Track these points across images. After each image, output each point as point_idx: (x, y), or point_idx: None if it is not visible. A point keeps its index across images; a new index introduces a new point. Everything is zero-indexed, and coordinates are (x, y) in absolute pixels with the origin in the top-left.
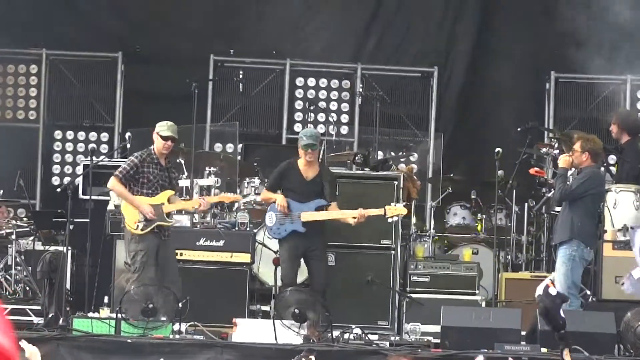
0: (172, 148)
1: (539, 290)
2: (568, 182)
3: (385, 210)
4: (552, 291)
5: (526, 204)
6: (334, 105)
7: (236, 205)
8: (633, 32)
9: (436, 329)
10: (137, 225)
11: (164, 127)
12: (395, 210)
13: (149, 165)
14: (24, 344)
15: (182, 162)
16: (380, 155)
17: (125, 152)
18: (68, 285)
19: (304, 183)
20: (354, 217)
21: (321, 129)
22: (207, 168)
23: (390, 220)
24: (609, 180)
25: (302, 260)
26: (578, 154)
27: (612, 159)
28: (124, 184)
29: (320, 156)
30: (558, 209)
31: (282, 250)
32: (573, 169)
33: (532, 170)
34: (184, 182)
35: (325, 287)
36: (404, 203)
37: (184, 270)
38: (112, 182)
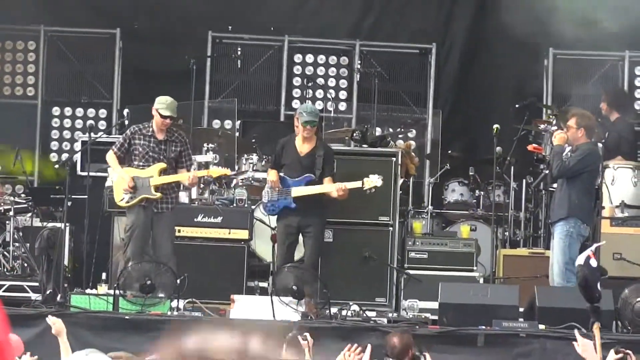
0: (173, 123)
1: (580, 260)
2: (564, 159)
3: (362, 182)
4: (594, 263)
5: (524, 181)
6: (332, 82)
7: (234, 181)
8: (631, 7)
9: (434, 305)
10: (123, 198)
11: (163, 106)
12: (372, 182)
13: (140, 138)
14: (50, 319)
15: None
16: (378, 131)
17: (123, 129)
18: (66, 262)
19: (298, 158)
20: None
21: (319, 105)
22: (205, 144)
23: (368, 192)
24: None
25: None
26: (573, 130)
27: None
28: (120, 157)
29: (317, 132)
30: (555, 185)
31: (278, 228)
32: (568, 145)
33: (530, 147)
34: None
35: (315, 267)
36: (402, 179)
37: (182, 246)
38: (107, 155)
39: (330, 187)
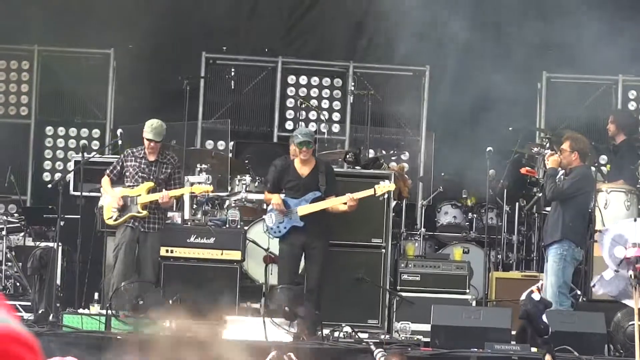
0: (166, 146)
1: (523, 295)
2: (558, 182)
3: (375, 189)
4: (536, 296)
5: (517, 204)
6: (325, 104)
7: (227, 202)
8: (624, 31)
9: (426, 327)
10: (111, 216)
11: (148, 129)
12: (385, 187)
13: (132, 160)
14: None
15: None
16: (371, 153)
17: (117, 149)
18: (58, 281)
19: (301, 180)
20: (345, 203)
21: (313, 127)
22: (198, 165)
23: (381, 198)
24: (600, 180)
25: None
26: (567, 153)
27: (603, 159)
28: (113, 180)
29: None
30: (548, 208)
31: (281, 249)
32: (562, 169)
33: (523, 170)
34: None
35: (318, 288)
36: (395, 202)
37: (175, 267)
38: (102, 179)
39: (339, 200)
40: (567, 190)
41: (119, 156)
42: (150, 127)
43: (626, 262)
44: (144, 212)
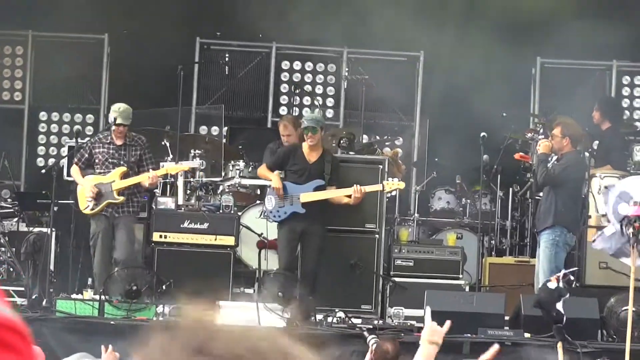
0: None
1: (541, 284)
2: (550, 167)
3: (383, 185)
4: (552, 285)
5: (511, 189)
6: (319, 89)
7: (221, 188)
8: (619, 16)
9: (420, 313)
10: (88, 206)
11: (114, 114)
12: (394, 184)
13: (99, 146)
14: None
15: (168, 144)
16: (365, 139)
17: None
18: (52, 267)
19: (307, 165)
20: (349, 196)
21: (306, 112)
22: (192, 150)
23: (389, 195)
24: (593, 165)
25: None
26: (558, 139)
27: (596, 144)
28: (82, 168)
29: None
30: (541, 194)
31: (281, 233)
32: (554, 154)
33: (517, 156)
34: (169, 165)
35: (317, 274)
36: (392, 188)
37: (168, 252)
38: (71, 169)
39: (346, 191)
40: (559, 175)
41: (84, 142)
42: (118, 111)
43: (627, 220)
44: (121, 198)
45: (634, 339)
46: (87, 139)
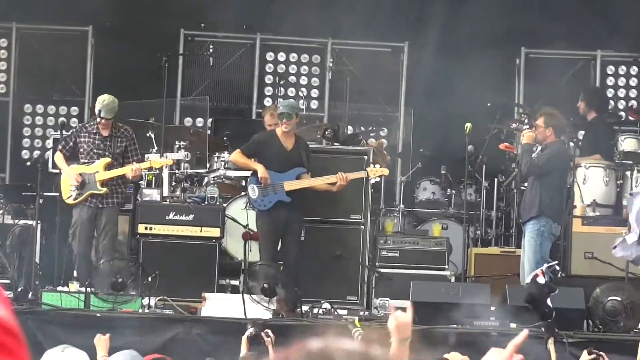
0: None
1: (528, 279)
2: (534, 158)
3: (367, 172)
4: (541, 280)
5: (496, 180)
6: (304, 80)
7: (206, 179)
8: (603, 6)
9: (405, 304)
10: (70, 195)
11: (98, 106)
12: (378, 171)
13: (84, 135)
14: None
15: (152, 136)
16: (350, 130)
17: None
18: (37, 259)
19: (285, 152)
20: (333, 183)
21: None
22: (177, 142)
23: (373, 181)
24: (578, 155)
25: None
26: (541, 129)
27: (581, 134)
28: (66, 155)
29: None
30: (526, 184)
31: (263, 223)
32: (537, 144)
33: (501, 146)
34: (153, 157)
35: (299, 262)
36: (377, 174)
37: (153, 244)
38: (55, 155)
39: (331, 178)
40: (543, 166)
41: (70, 131)
42: (102, 104)
43: None
44: (104, 190)
45: (620, 329)
46: (72, 129)
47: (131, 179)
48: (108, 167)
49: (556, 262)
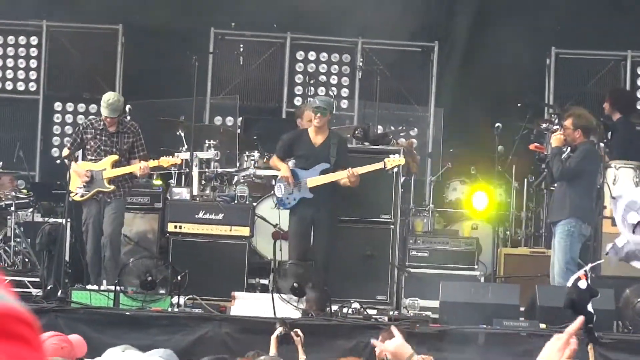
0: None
1: (569, 282)
2: (564, 160)
3: (384, 162)
4: (582, 284)
5: (525, 180)
6: (334, 80)
7: (235, 178)
8: (633, 6)
9: (435, 304)
10: (77, 192)
11: (103, 104)
12: (394, 161)
13: (91, 132)
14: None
15: (182, 134)
16: (380, 129)
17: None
18: (67, 257)
19: (313, 149)
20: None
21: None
22: (206, 141)
23: (390, 172)
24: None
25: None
26: (570, 130)
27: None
28: (74, 153)
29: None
30: (556, 185)
31: (292, 222)
32: (567, 145)
33: (531, 146)
34: (183, 155)
35: (327, 261)
36: (404, 177)
37: (183, 243)
38: (63, 152)
39: (341, 174)
40: (575, 168)
41: (77, 127)
42: (106, 103)
43: (639, 227)
44: (111, 187)
45: None
46: (78, 125)
47: (139, 176)
48: (115, 164)
49: (601, 261)
